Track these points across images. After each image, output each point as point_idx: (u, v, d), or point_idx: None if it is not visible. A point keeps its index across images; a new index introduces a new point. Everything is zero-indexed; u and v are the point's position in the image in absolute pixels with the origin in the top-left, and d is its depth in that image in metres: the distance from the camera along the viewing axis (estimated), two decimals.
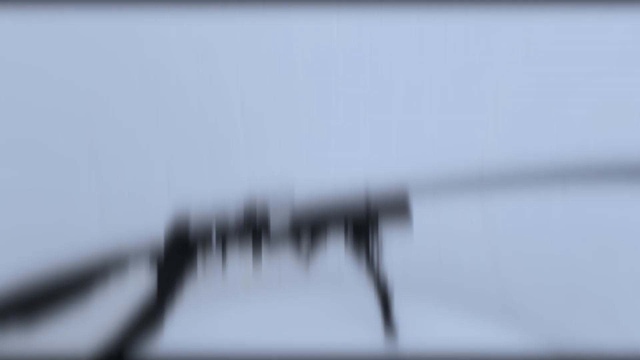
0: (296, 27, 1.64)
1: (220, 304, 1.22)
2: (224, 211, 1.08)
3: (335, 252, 1.16)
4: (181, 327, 0.88)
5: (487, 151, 1.44)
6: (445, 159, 1.50)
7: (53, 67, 1.27)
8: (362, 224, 1.25)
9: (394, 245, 1.11)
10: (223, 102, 1.61)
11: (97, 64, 1.29)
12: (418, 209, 1.00)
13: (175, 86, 1.50)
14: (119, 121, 1.37)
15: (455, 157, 1.51)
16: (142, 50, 1.40)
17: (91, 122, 1.30)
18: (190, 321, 1.01)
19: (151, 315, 0.82)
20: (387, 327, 1.04)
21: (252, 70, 1.68)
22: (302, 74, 1.75)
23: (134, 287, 0.78)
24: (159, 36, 1.45)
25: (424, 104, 1.66)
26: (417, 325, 0.97)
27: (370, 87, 1.75)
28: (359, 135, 1.76)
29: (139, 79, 1.40)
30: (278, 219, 1.16)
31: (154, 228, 0.89)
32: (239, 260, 1.09)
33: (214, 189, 1.59)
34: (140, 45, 1.41)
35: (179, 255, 1.00)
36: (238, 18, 1.53)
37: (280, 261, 1.28)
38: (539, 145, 1.25)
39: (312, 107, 1.76)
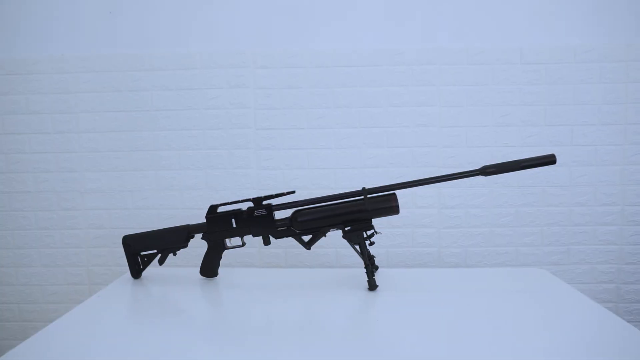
0: (300, 55, 1.81)
1: (240, 271, 1.58)
2: (240, 203, 1.40)
3: (335, 237, 1.51)
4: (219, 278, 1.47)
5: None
6: (417, 160, 1.84)
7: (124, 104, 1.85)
8: (357, 217, 1.29)
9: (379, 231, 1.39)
10: (242, 121, 1.84)
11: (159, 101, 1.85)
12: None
13: (211, 112, 1.85)
14: (170, 139, 1.86)
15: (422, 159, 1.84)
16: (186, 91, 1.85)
17: (153, 142, 1.86)
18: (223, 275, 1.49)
19: (207, 265, 1.43)
20: (370, 286, 1.31)
21: (265, 93, 1.82)
22: (305, 93, 1.82)
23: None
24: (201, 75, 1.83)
25: (406, 120, 1.82)
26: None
27: (361, 109, 1.82)
28: (354, 144, 1.82)
29: (186, 115, 1.86)
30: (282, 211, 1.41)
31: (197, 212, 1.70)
32: (254, 240, 1.54)
33: (235, 186, 1.87)
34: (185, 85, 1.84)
35: (214, 232, 1.39)
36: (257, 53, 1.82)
37: (285, 243, 1.67)
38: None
39: (314, 120, 1.83)
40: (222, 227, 1.37)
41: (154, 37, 1.80)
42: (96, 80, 1.81)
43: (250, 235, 1.37)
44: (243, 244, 1.40)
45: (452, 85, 1.77)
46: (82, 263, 1.87)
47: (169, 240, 1.40)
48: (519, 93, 1.76)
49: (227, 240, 1.40)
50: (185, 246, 1.40)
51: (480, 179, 1.76)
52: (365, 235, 1.32)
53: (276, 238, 1.36)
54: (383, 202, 1.31)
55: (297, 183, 1.81)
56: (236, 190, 1.82)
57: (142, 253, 1.42)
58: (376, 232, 1.33)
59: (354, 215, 1.31)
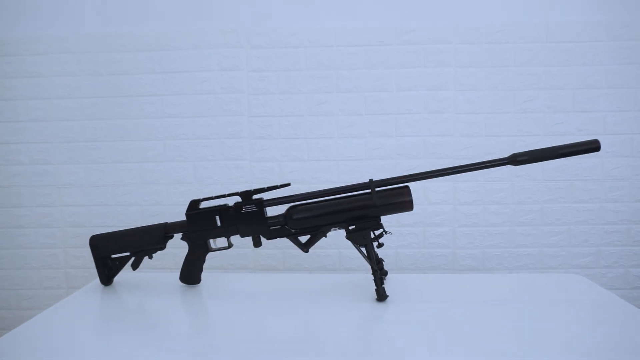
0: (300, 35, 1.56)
1: (227, 277, 1.33)
2: (226, 198, 1.13)
3: (338, 237, 1.25)
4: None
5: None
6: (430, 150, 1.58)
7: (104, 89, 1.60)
8: (364, 215, 1.08)
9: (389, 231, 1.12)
10: (235, 108, 1.59)
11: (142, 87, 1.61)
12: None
13: (202, 98, 1.60)
14: (155, 128, 1.61)
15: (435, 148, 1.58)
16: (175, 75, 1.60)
17: (137, 131, 1.61)
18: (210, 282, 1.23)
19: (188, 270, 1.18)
20: (379, 296, 1.06)
21: (260, 76, 1.58)
22: (305, 76, 1.58)
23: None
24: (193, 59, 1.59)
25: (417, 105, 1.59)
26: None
27: (367, 93, 1.58)
28: (359, 132, 1.59)
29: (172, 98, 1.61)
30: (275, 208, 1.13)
31: (184, 208, 1.15)
32: (243, 241, 1.23)
33: (226, 179, 1.61)
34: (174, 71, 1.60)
35: (196, 231, 1.15)
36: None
37: (282, 244, 1.42)
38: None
39: (314, 106, 1.58)
40: (204, 225, 1.13)
41: (137, 15, 1.57)
42: (73, 62, 1.58)
43: (238, 235, 1.14)
44: (229, 246, 1.16)
45: (470, 67, 1.53)
46: (59, 265, 1.64)
47: (143, 241, 1.16)
48: (545, 75, 1.52)
49: (211, 241, 1.16)
50: (162, 248, 1.17)
51: (500, 171, 1.53)
52: (372, 236, 1.08)
53: (268, 239, 1.13)
54: (394, 196, 1.07)
55: (295, 176, 1.58)
56: (228, 184, 1.59)
57: (112, 256, 1.19)
58: (385, 232, 1.09)
59: (359, 212, 1.07)
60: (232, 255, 1.59)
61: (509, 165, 1.05)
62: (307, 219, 1.08)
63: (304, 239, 1.12)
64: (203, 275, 1.20)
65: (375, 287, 1.06)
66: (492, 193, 1.56)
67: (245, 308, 1.06)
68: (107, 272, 1.18)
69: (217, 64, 1.56)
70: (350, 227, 1.08)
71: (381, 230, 1.08)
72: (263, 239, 1.14)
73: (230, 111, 1.57)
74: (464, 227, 1.58)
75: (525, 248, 1.57)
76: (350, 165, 1.57)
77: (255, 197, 1.12)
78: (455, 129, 1.55)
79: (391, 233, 1.15)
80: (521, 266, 1.58)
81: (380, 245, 1.08)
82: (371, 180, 1.07)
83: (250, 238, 1.14)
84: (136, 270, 1.20)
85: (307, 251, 1.12)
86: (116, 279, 1.23)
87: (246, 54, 1.55)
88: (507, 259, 1.58)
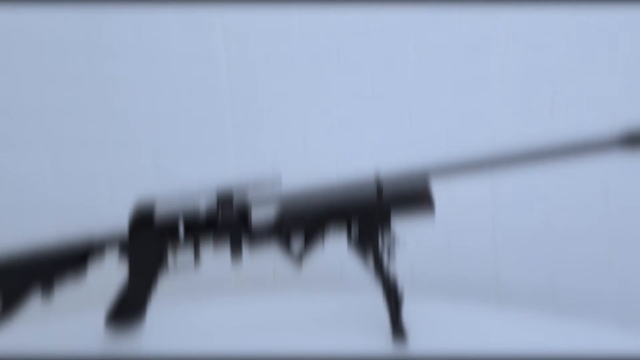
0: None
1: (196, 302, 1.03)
2: (196, 199, 0.88)
3: (337, 248, 0.88)
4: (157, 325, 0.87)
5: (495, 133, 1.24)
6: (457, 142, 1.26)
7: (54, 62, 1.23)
8: (370, 216, 0.87)
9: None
10: (210, 84, 1.33)
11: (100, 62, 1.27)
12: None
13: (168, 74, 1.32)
14: (110, 110, 1.27)
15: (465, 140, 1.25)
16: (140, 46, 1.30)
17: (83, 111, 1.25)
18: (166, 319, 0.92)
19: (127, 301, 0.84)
20: (396, 331, 0.80)
21: (242, 44, 1.33)
22: (299, 48, 1.32)
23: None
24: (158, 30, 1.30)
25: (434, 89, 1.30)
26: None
27: (376, 68, 1.30)
28: (365, 118, 1.31)
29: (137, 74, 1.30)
30: (261, 210, 0.89)
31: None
32: (216, 255, 0.87)
33: (198, 175, 1.28)
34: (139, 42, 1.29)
35: (145, 242, 0.86)
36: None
37: (270, 258, 1.00)
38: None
39: (310, 86, 1.32)
40: (157, 235, 0.83)
41: None
42: None
43: (210, 247, 0.85)
44: (196, 263, 0.85)
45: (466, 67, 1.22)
46: None
47: (53, 265, 0.82)
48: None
49: (169, 255, 0.85)
50: (83, 274, 0.83)
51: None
52: (382, 245, 0.84)
53: (251, 249, 0.84)
54: (408, 194, 0.83)
55: (288, 170, 1.29)
56: (206, 181, 1.31)
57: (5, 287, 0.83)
58: (399, 241, 0.85)
59: (362, 214, 0.84)
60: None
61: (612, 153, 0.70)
62: (300, 222, 0.85)
63: (296, 248, 0.85)
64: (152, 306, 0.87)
65: (389, 317, 0.76)
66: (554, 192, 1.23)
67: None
68: None
69: (182, 23, 1.29)
70: (353, 234, 0.84)
71: (393, 238, 0.85)
72: (244, 251, 0.84)
73: (204, 88, 1.31)
74: (508, 239, 1.26)
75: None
76: (354, 158, 1.31)
77: (235, 195, 0.87)
78: (498, 111, 1.23)
79: (405, 242, 0.86)
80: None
81: (391, 258, 0.84)
82: (378, 173, 0.84)
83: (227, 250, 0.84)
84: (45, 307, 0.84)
85: (300, 264, 0.84)
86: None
87: (220, 17, 1.28)
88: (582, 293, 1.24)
